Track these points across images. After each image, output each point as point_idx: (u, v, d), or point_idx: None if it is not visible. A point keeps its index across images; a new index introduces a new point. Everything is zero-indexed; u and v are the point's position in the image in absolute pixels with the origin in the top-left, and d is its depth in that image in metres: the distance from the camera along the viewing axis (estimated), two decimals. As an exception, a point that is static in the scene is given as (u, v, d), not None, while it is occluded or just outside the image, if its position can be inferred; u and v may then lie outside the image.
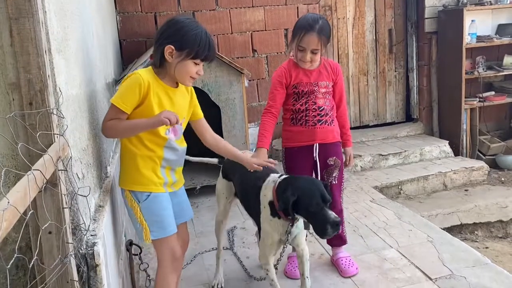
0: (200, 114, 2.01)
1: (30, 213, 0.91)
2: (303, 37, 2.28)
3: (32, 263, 1.18)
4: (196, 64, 1.77)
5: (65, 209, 1.23)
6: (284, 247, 2.07)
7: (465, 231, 3.82)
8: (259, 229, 2.14)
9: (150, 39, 4.24)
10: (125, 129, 1.72)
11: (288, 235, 2.02)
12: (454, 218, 3.81)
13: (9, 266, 0.77)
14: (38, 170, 0.95)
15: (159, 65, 1.77)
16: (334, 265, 2.58)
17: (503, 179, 4.50)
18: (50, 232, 1.23)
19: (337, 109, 2.51)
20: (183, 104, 1.88)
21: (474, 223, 3.84)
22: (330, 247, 2.66)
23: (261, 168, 2.07)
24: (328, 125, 2.43)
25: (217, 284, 2.47)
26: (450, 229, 3.61)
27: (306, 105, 2.38)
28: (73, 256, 1.25)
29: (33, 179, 0.90)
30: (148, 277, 2.47)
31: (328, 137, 2.44)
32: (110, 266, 1.64)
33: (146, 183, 1.79)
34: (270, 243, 2.07)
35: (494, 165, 4.82)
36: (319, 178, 2.40)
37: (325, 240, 2.66)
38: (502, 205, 3.94)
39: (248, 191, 2.20)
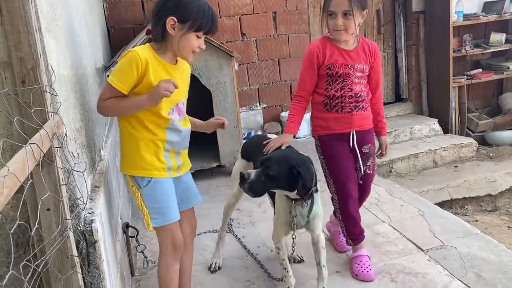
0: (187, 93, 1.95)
1: (29, 183, 0.93)
2: (331, 0, 2.08)
3: (32, 237, 1.20)
4: (198, 37, 1.70)
5: (62, 185, 1.25)
6: (292, 229, 2.01)
7: (455, 206, 3.90)
8: (274, 206, 2.13)
9: (138, 25, 4.22)
10: (126, 107, 1.66)
11: (293, 216, 1.97)
12: (445, 193, 3.88)
13: (11, 231, 0.79)
14: (35, 143, 0.97)
15: (158, 38, 1.69)
16: (332, 238, 2.59)
17: (491, 154, 4.58)
18: (48, 209, 1.25)
19: (373, 95, 2.31)
20: (184, 82, 1.82)
21: (464, 197, 3.93)
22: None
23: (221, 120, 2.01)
24: (364, 111, 2.24)
25: (215, 263, 2.47)
26: (441, 204, 3.69)
27: (342, 92, 2.18)
28: (72, 231, 1.27)
29: (30, 152, 0.92)
30: (145, 259, 2.51)
31: (365, 124, 2.27)
32: (107, 246, 1.66)
33: (147, 168, 1.73)
34: (281, 222, 2.04)
35: (482, 141, 4.91)
36: (361, 168, 2.28)
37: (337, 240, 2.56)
38: (490, 180, 4.02)
39: None
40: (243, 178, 1.83)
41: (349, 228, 2.32)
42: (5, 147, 1.23)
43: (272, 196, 2.14)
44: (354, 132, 2.24)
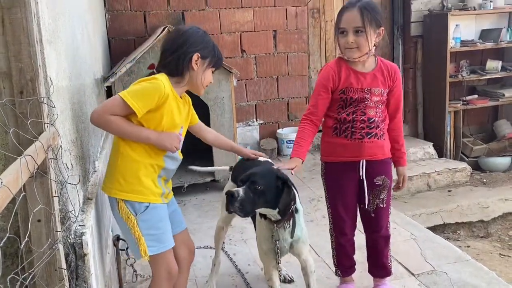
0: (197, 118, 2.01)
1: (21, 195, 0.93)
2: (342, 16, 1.95)
3: (21, 249, 1.19)
4: (211, 72, 1.80)
5: (54, 197, 1.24)
6: (276, 253, 1.89)
7: (448, 230, 3.90)
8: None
9: (139, 37, 4.25)
10: (129, 133, 1.63)
11: (276, 241, 1.86)
12: (437, 217, 3.89)
13: (1, 244, 0.79)
14: (30, 155, 0.97)
15: (178, 73, 1.71)
16: None
17: (485, 180, 4.60)
18: (39, 220, 1.24)
19: (391, 120, 2.10)
20: (185, 114, 1.84)
21: (457, 222, 3.93)
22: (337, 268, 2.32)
23: (256, 157, 2.07)
24: (377, 138, 2.03)
25: None
26: (433, 229, 3.68)
27: (354, 115, 2.00)
28: (62, 243, 1.26)
29: (25, 164, 0.91)
30: (134, 272, 2.47)
31: (377, 153, 2.05)
32: (96, 258, 1.65)
33: (145, 193, 1.68)
34: (265, 249, 1.93)
35: (476, 167, 4.94)
36: (365, 200, 2.10)
37: (331, 261, 2.34)
38: (483, 206, 4.03)
39: None
40: (232, 196, 1.69)
41: (339, 259, 2.25)
42: (0, 157, 1.23)
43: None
44: (364, 161, 2.04)
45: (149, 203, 1.69)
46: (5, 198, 0.79)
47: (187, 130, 1.96)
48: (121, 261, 2.42)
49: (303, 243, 1.96)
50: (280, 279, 2.18)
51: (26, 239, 1.08)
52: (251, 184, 1.73)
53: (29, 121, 1.13)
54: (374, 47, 2.00)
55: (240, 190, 1.71)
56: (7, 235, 1.07)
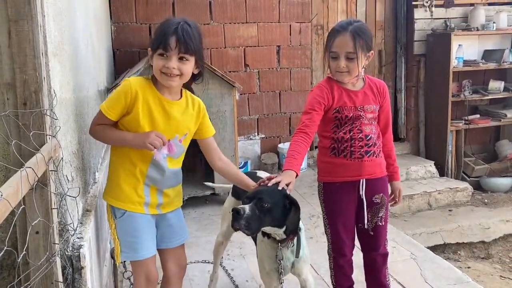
0: (207, 133, 1.86)
1: (20, 208, 0.92)
2: (334, 40, 1.93)
3: (18, 262, 1.19)
4: (161, 55, 1.60)
5: (53, 209, 1.24)
6: (280, 276, 1.84)
7: (448, 250, 3.87)
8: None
9: (144, 49, 4.27)
10: (111, 138, 1.68)
11: (280, 260, 1.81)
12: (438, 237, 3.86)
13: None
14: (31, 168, 0.97)
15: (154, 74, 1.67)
16: None
17: (486, 200, 4.58)
18: (37, 232, 1.24)
19: (382, 136, 2.11)
20: (183, 120, 1.72)
21: (457, 243, 3.90)
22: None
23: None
24: (376, 157, 2.03)
25: None
26: (433, 248, 3.65)
27: (351, 133, 1.99)
28: (59, 256, 1.25)
29: (25, 176, 0.91)
30: (131, 285, 2.46)
31: (376, 171, 2.05)
32: (93, 271, 1.64)
33: (123, 199, 1.69)
34: (267, 270, 1.88)
35: (478, 186, 4.91)
36: (365, 219, 2.07)
37: (330, 279, 2.26)
38: (484, 226, 4.00)
39: None
40: (238, 214, 1.64)
41: (338, 280, 2.21)
42: (0, 167, 1.23)
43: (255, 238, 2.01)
44: (364, 180, 2.03)
45: (125, 210, 1.69)
46: (5, 211, 0.79)
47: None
48: (118, 273, 2.41)
49: (304, 262, 1.94)
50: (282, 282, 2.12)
51: (24, 252, 1.07)
52: (258, 201, 1.69)
53: (31, 133, 1.13)
54: (363, 69, 2.03)
55: (247, 208, 1.67)
56: (5, 248, 1.06)
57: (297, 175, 1.87)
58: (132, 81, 1.64)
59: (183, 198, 3.72)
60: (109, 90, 3.28)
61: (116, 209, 1.71)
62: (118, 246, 1.71)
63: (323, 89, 2.01)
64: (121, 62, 4.23)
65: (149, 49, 1.66)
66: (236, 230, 1.74)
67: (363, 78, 2.08)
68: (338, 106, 2.00)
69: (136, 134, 1.63)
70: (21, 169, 0.93)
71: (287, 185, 1.81)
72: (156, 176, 1.71)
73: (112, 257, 2.30)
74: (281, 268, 1.83)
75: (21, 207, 0.96)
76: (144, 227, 1.73)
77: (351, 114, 2.00)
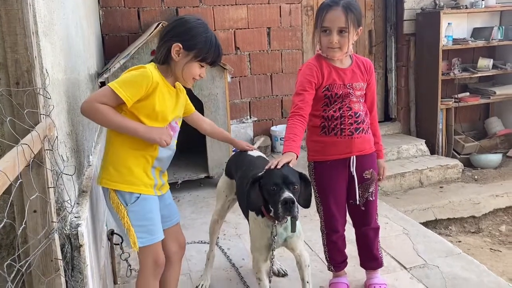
0: (193, 108, 2.02)
1: (18, 182, 0.93)
2: (325, 15, 1.93)
3: (17, 240, 1.20)
4: (201, 66, 1.73)
5: (50, 188, 1.25)
6: (272, 251, 1.89)
7: (439, 226, 3.94)
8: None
9: (133, 34, 4.25)
10: (117, 123, 1.59)
11: (274, 237, 1.85)
12: (429, 213, 3.93)
13: None
14: (26, 144, 0.98)
15: (163, 62, 1.71)
16: None
17: (476, 177, 4.66)
18: (35, 211, 1.25)
19: (369, 113, 2.17)
20: (180, 103, 1.83)
21: (448, 218, 3.97)
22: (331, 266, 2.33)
23: (253, 148, 2.14)
24: (365, 133, 2.08)
25: (202, 285, 2.38)
26: (425, 224, 3.72)
27: (341, 111, 2.03)
28: (57, 233, 1.27)
29: (21, 152, 0.92)
30: (129, 267, 2.48)
31: (365, 148, 2.10)
32: (91, 251, 1.66)
33: (137, 183, 1.67)
34: (258, 247, 1.92)
35: (468, 163, 4.99)
36: (356, 195, 2.13)
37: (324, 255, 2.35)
38: (475, 202, 4.08)
39: (243, 189, 1.98)
40: (292, 203, 1.67)
41: (332, 255, 2.27)
42: (-5, 147, 1.24)
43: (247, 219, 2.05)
44: (354, 157, 2.08)
45: (140, 193, 1.69)
46: (2, 184, 0.80)
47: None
48: (115, 255, 2.43)
49: (297, 238, 1.97)
50: (274, 273, 2.19)
51: (24, 225, 1.09)
52: (290, 185, 1.72)
53: (26, 111, 1.14)
54: (352, 45, 2.05)
55: (292, 195, 1.69)
56: (4, 220, 1.08)
57: (297, 156, 1.90)
58: (152, 69, 1.65)
59: (178, 182, 3.76)
60: (99, 75, 3.27)
61: (127, 194, 1.67)
62: (133, 233, 1.67)
63: (313, 67, 2.03)
64: (110, 47, 4.20)
65: (180, 45, 1.66)
66: (295, 218, 1.80)
67: (350, 56, 2.11)
68: (327, 84, 2.03)
69: (149, 128, 1.64)
70: (17, 144, 0.94)
71: (288, 163, 1.84)
72: (165, 157, 1.77)
73: (109, 239, 2.32)
74: (274, 244, 1.87)
75: (18, 181, 0.97)
76: (156, 209, 1.75)
77: (341, 92, 2.03)
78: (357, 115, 2.05)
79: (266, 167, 1.81)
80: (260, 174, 1.83)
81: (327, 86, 2.03)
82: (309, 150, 2.18)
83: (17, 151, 0.91)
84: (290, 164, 1.86)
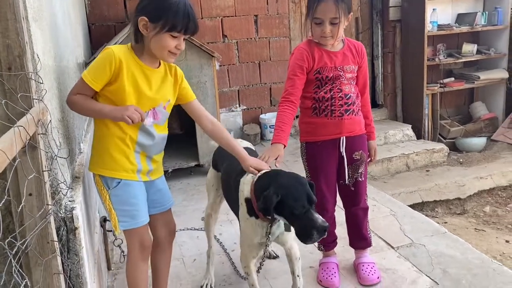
0: (191, 96, 1.87)
1: (17, 162, 0.96)
2: (317, 7, 1.96)
3: (15, 223, 1.23)
4: (174, 37, 1.62)
5: (44, 171, 1.28)
6: (265, 249, 1.85)
7: (426, 208, 4.04)
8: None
9: (119, 23, 4.23)
10: (89, 109, 1.64)
11: (268, 236, 1.81)
12: (416, 196, 4.01)
13: None
14: (22, 126, 1.00)
15: (135, 40, 1.65)
16: (355, 269, 2.35)
17: (461, 160, 4.76)
18: (30, 194, 1.27)
19: (361, 96, 2.20)
20: (164, 87, 1.74)
21: (435, 200, 4.06)
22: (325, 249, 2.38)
23: (257, 172, 1.82)
24: (355, 115, 2.12)
25: (207, 285, 2.31)
26: (412, 207, 3.79)
27: (331, 93, 2.07)
28: (53, 216, 1.30)
29: (18, 133, 0.95)
30: (122, 253, 2.51)
31: (355, 129, 2.14)
32: (86, 235, 1.68)
33: (117, 168, 1.68)
34: (248, 244, 1.87)
35: (453, 147, 5.09)
36: (346, 175, 2.18)
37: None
38: (460, 184, 4.18)
39: (230, 185, 1.96)
40: (325, 231, 1.68)
41: None
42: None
43: (237, 216, 1.96)
44: (344, 138, 2.13)
45: (121, 179, 1.69)
46: (2, 163, 0.82)
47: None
48: (108, 242, 2.46)
49: (289, 233, 1.91)
50: (266, 255, 2.19)
51: (22, 205, 1.11)
52: (313, 204, 1.71)
53: (19, 95, 1.15)
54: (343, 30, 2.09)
55: (325, 221, 1.69)
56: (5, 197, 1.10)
57: (285, 146, 1.99)
58: (115, 49, 1.61)
59: (168, 170, 3.78)
60: (87, 64, 3.26)
61: (109, 179, 1.69)
62: (115, 216, 1.70)
63: (303, 51, 2.08)
64: (97, 36, 4.18)
65: (145, 18, 1.59)
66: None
67: (342, 40, 2.15)
68: (318, 67, 2.07)
69: (114, 107, 1.62)
70: (14, 126, 0.96)
71: (276, 158, 1.91)
72: (146, 142, 1.73)
73: (102, 226, 2.35)
74: (267, 242, 1.83)
75: (17, 161, 0.99)
76: (140, 195, 1.74)
77: (331, 74, 2.07)
78: (347, 96, 2.10)
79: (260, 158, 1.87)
80: (264, 172, 1.78)
81: (318, 69, 2.07)
82: (301, 131, 2.23)
83: (14, 132, 0.93)
84: (278, 160, 1.92)
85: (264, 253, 1.87)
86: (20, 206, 1.14)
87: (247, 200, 1.79)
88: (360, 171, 2.22)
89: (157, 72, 1.72)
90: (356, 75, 2.15)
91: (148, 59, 1.69)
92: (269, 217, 1.72)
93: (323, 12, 1.97)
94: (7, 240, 0.95)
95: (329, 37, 2.03)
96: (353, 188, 2.24)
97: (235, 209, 1.95)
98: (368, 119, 2.26)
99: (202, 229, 2.96)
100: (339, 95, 2.09)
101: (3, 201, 0.86)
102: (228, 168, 2.02)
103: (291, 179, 1.72)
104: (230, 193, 1.99)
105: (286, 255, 1.99)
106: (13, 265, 1.00)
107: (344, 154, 2.15)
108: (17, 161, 0.99)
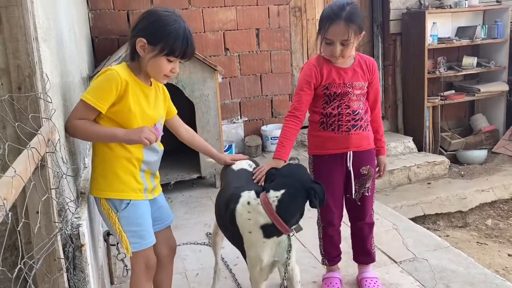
0: (174, 111, 1.93)
1: (32, 184, 0.97)
2: (328, 28, 1.98)
3: (20, 241, 1.24)
4: (170, 61, 1.63)
5: (52, 189, 1.29)
6: (287, 262, 1.78)
7: (428, 221, 4.04)
8: (244, 256, 1.84)
9: (123, 36, 4.26)
10: (97, 134, 1.59)
11: (289, 248, 1.76)
12: (418, 209, 4.02)
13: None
14: (34, 148, 1.02)
15: (131, 58, 1.66)
16: (358, 284, 2.37)
17: (462, 173, 4.76)
18: (37, 212, 1.28)
19: (371, 112, 2.20)
20: (157, 103, 1.76)
21: (436, 213, 4.07)
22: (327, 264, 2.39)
23: (234, 162, 1.97)
24: (363, 130, 2.13)
25: None
26: (414, 220, 3.80)
27: (339, 109, 2.09)
28: (61, 234, 1.31)
29: (31, 155, 0.96)
30: (125, 267, 2.51)
31: (363, 144, 2.15)
32: (91, 251, 1.69)
33: (125, 189, 1.67)
34: (261, 268, 1.77)
35: (454, 160, 5.10)
36: (352, 190, 2.19)
37: (316, 251, 2.43)
38: (461, 197, 4.18)
39: (222, 215, 1.89)
40: None
41: (327, 248, 2.33)
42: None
43: (238, 246, 1.86)
44: (351, 152, 2.14)
45: (130, 199, 1.68)
46: (18, 186, 0.83)
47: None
48: (111, 256, 2.47)
49: (292, 251, 1.84)
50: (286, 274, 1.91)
51: (30, 224, 1.12)
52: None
53: (30, 116, 1.17)
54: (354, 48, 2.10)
55: None
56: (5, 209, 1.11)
57: (285, 161, 2.04)
58: (119, 70, 1.61)
59: (170, 182, 3.78)
60: (91, 78, 3.28)
61: (117, 201, 1.67)
62: (126, 239, 1.68)
63: (312, 68, 2.10)
64: (100, 50, 4.22)
65: (144, 40, 1.59)
66: None
67: (354, 55, 2.15)
68: (327, 83, 2.09)
69: (127, 130, 1.61)
70: (27, 148, 0.98)
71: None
72: (152, 159, 1.74)
73: (105, 240, 2.36)
74: (289, 254, 1.77)
75: (32, 183, 1.00)
76: (147, 214, 1.74)
77: (339, 91, 2.08)
78: (355, 113, 2.11)
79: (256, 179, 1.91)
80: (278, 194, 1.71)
81: (326, 85, 2.09)
82: (309, 144, 2.26)
83: (28, 154, 0.94)
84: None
85: (286, 270, 1.80)
86: (21, 223, 1.15)
87: (263, 226, 1.70)
88: (367, 186, 2.22)
89: (151, 89, 1.75)
90: (366, 91, 2.15)
91: (143, 78, 1.71)
92: (291, 228, 1.72)
93: (334, 33, 1.98)
94: (23, 261, 0.95)
95: (339, 56, 2.04)
96: (359, 203, 2.24)
97: (233, 240, 1.88)
98: (379, 134, 2.26)
99: (205, 243, 2.97)
100: (346, 111, 2.10)
101: (10, 220, 0.87)
102: (219, 196, 1.99)
103: (297, 169, 1.83)
104: (224, 224, 1.90)
105: (287, 279, 1.87)
106: (29, 283, 1.01)
107: (351, 168, 2.16)
108: (32, 183, 1.01)
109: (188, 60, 1.72)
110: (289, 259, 1.80)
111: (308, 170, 2.24)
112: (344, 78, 2.09)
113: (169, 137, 2.02)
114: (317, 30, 2.09)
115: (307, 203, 1.75)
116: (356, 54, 2.15)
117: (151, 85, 1.75)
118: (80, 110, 1.59)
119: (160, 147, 1.80)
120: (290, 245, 1.77)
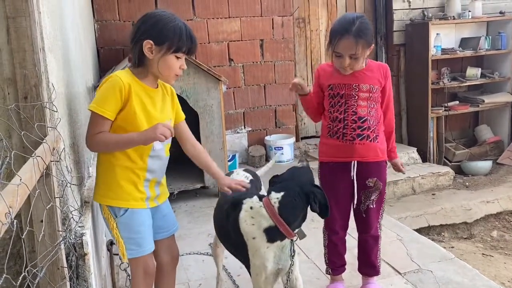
0: (182, 116, 1.90)
1: (37, 193, 0.98)
2: (338, 42, 2.00)
3: (25, 250, 1.24)
4: (178, 58, 1.66)
5: (56, 198, 1.30)
6: (291, 267, 1.78)
7: (432, 232, 4.01)
8: (247, 266, 1.83)
9: (127, 47, 4.29)
10: (117, 143, 1.61)
11: (293, 253, 1.77)
12: (422, 220, 3.99)
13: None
14: (40, 156, 1.02)
15: (139, 64, 1.66)
16: None
17: (467, 183, 4.74)
18: (41, 221, 1.29)
19: (384, 117, 2.18)
20: (165, 106, 1.77)
21: (441, 224, 4.04)
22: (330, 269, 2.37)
23: (230, 191, 1.87)
24: (370, 141, 2.09)
25: None
26: (418, 231, 3.77)
27: (345, 114, 2.08)
28: (64, 243, 1.31)
29: (37, 164, 0.97)
30: (128, 277, 2.51)
31: (369, 155, 2.11)
32: (94, 260, 1.69)
33: (125, 198, 1.68)
34: (266, 276, 1.75)
35: (459, 170, 5.08)
36: (355, 200, 2.17)
37: (320, 262, 2.43)
38: (466, 208, 4.15)
39: (224, 225, 1.89)
40: None
41: (331, 257, 2.32)
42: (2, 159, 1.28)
43: (240, 255, 1.87)
44: (356, 162, 2.11)
45: (128, 208, 1.69)
46: (24, 195, 0.84)
47: None
48: (114, 265, 2.46)
49: (295, 260, 1.85)
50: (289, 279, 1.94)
51: (32, 227, 1.13)
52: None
53: (36, 125, 1.18)
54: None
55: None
56: (12, 235, 1.11)
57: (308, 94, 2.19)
58: (120, 75, 1.62)
59: (173, 192, 3.77)
60: (96, 87, 3.31)
61: (116, 208, 1.69)
62: (122, 244, 1.70)
63: (319, 69, 2.23)
64: (106, 61, 4.26)
65: (151, 41, 1.60)
66: None
67: (365, 61, 2.12)
68: (331, 83, 2.12)
69: (141, 131, 1.62)
70: (33, 157, 0.99)
71: None
72: (156, 167, 1.74)
73: (108, 249, 2.35)
74: (293, 259, 1.78)
75: (37, 191, 1.01)
76: (146, 222, 1.74)
77: (343, 92, 2.09)
78: (362, 120, 2.08)
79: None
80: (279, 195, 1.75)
81: (330, 85, 2.12)
82: (319, 151, 2.29)
83: (33, 163, 0.95)
84: None
85: (289, 278, 1.81)
86: (26, 231, 1.15)
87: (266, 230, 1.72)
88: (372, 198, 2.18)
89: (157, 92, 1.75)
90: (376, 95, 2.10)
91: (150, 81, 1.71)
92: (294, 233, 1.73)
93: (343, 48, 2.00)
94: (26, 269, 0.95)
95: (347, 68, 2.06)
96: (364, 215, 2.23)
97: (235, 249, 1.89)
98: (390, 139, 2.25)
99: (208, 253, 2.95)
100: (352, 118, 2.08)
101: (15, 228, 0.88)
102: (217, 205, 2.01)
103: (299, 172, 1.85)
104: (225, 233, 1.91)
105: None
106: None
107: (354, 178, 2.14)
108: (37, 192, 1.01)
109: (193, 54, 1.75)
110: (293, 265, 1.79)
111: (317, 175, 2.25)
112: (351, 80, 2.08)
113: (171, 146, 1.96)
114: (328, 42, 2.11)
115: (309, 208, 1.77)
116: (368, 60, 2.14)
117: (157, 87, 1.75)
118: (94, 124, 1.61)
119: (166, 155, 1.79)
120: (293, 251, 1.78)
